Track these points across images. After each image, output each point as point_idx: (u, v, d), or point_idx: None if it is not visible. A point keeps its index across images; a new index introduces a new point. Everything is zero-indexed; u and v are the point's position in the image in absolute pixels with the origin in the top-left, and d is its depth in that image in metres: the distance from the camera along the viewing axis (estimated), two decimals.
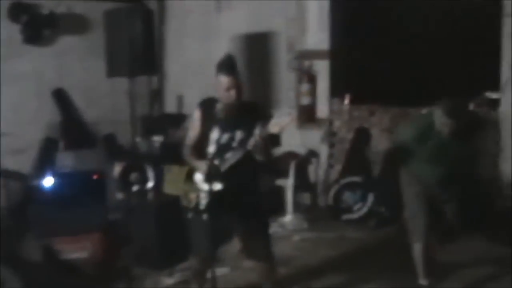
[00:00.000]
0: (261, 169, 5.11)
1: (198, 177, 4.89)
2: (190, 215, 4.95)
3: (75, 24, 9.46)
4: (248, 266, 5.68)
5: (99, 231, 6.66)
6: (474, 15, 10.66)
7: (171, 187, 8.06)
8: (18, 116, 8.77)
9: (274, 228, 7.72)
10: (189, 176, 5.01)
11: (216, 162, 4.78)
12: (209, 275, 4.89)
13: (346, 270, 6.64)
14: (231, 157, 4.76)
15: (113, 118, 9.39)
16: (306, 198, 9.11)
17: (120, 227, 6.75)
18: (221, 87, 4.80)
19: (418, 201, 5.94)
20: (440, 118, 5.55)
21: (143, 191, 6.85)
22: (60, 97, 9.29)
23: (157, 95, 10.46)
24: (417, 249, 5.96)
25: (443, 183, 5.89)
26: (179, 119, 9.44)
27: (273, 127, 4.52)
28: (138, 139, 8.75)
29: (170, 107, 10.40)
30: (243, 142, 4.73)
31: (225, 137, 4.82)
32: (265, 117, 4.62)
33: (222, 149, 4.80)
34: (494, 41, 7.80)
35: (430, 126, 5.65)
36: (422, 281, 6.01)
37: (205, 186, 4.77)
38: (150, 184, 6.87)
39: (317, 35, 8.97)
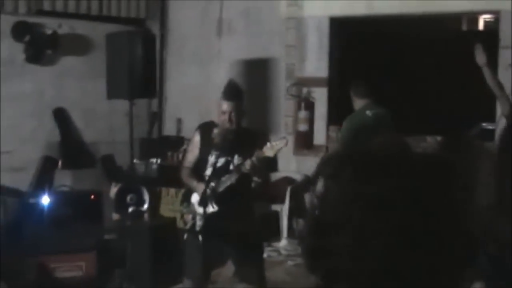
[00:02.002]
0: (257, 194, 5.18)
1: (195, 198, 4.95)
2: (185, 236, 5.01)
3: (77, 44, 9.48)
4: None
5: (94, 251, 6.70)
6: (471, 46, 10.80)
7: (167, 209, 8.13)
8: (17, 134, 8.78)
9: (268, 253, 7.75)
10: (186, 198, 5.08)
11: (213, 184, 4.85)
12: None
13: None
14: (227, 180, 4.83)
15: (112, 139, 9.40)
16: (301, 223, 9.12)
17: (114, 248, 6.79)
18: (220, 111, 4.89)
19: None
20: None
21: (138, 213, 6.88)
22: (61, 116, 9.31)
23: (156, 117, 10.49)
24: None
25: None
26: (178, 142, 9.49)
27: (268, 150, 4.62)
28: (136, 161, 8.79)
29: (169, 130, 10.43)
30: (240, 166, 4.81)
31: (222, 160, 4.89)
32: (262, 143, 4.71)
33: (219, 172, 4.86)
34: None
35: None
36: None
37: (200, 208, 4.84)
38: (145, 206, 6.90)
39: (316, 62, 9.03)
